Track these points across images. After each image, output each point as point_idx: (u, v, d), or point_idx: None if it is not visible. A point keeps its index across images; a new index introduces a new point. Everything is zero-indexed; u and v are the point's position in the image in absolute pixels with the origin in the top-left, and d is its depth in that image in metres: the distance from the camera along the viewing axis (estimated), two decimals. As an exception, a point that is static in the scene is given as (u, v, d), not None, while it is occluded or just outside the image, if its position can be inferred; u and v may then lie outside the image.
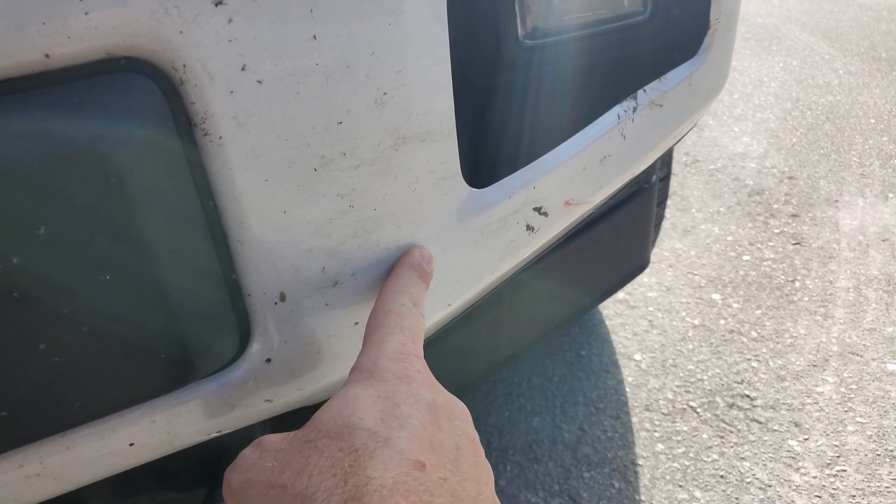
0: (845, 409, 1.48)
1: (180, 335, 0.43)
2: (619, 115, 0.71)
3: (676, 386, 1.63)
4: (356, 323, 0.51)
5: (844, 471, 1.34)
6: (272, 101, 0.41)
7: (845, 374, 1.58)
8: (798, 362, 1.64)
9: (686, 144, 3.05)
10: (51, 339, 0.36)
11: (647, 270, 2.08)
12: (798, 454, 1.39)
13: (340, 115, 0.44)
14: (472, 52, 0.75)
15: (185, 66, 0.38)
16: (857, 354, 1.64)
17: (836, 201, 2.39)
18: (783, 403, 1.52)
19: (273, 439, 0.36)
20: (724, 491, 1.33)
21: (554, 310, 1.07)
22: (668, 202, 2.49)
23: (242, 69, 0.40)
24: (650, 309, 1.91)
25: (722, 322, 1.83)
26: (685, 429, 1.50)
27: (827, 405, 1.50)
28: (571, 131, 0.66)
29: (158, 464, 0.51)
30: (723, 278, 2.01)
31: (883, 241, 2.10)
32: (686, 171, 2.76)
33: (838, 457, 1.37)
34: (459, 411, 0.38)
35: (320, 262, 0.47)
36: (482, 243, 0.59)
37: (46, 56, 0.35)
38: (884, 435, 1.40)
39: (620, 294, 1.98)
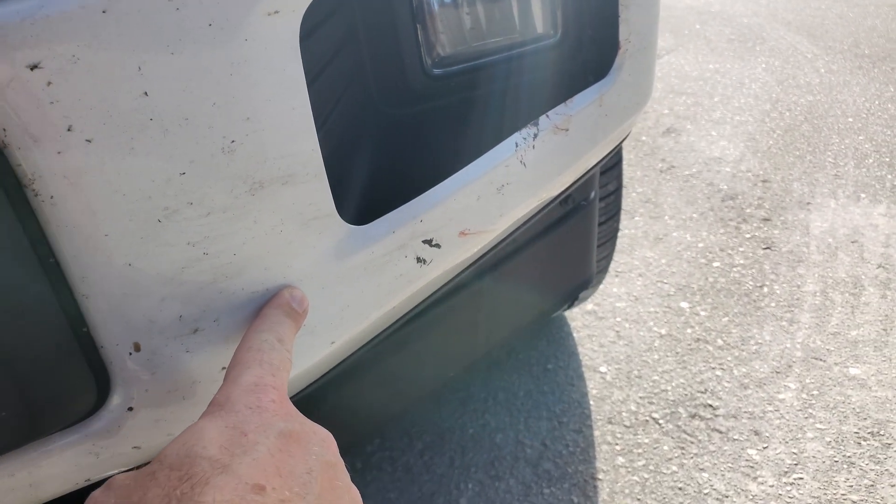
0: (805, 415, 1.48)
1: (31, 390, 0.43)
2: (517, 143, 0.72)
3: (640, 397, 1.62)
4: (223, 368, 0.52)
5: (802, 479, 1.33)
6: (104, 158, 0.42)
7: (807, 380, 1.58)
8: (762, 369, 1.64)
9: (663, 150, 3.06)
10: None
11: (617, 280, 2.08)
12: (756, 463, 1.39)
13: (182, 167, 0.45)
14: (379, 84, 0.76)
15: (4, 129, 0.39)
16: (821, 359, 1.64)
17: (809, 203, 2.39)
18: (745, 412, 1.52)
19: (120, 477, 0.36)
20: (681, 503, 1.33)
21: (489, 331, 1.07)
22: (641, 209, 2.49)
23: (69, 129, 0.41)
24: (618, 319, 1.91)
25: (689, 331, 1.83)
26: (646, 441, 1.50)
27: (787, 412, 1.50)
28: (463, 162, 0.67)
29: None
30: (692, 286, 2.01)
31: (852, 242, 2.10)
32: (661, 177, 2.76)
33: (796, 464, 1.37)
34: (318, 439, 0.39)
35: (175, 311, 0.48)
36: (366, 279, 0.59)
37: None
38: (842, 441, 1.40)
39: (589, 305, 1.99)
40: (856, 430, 1.43)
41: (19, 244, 0.41)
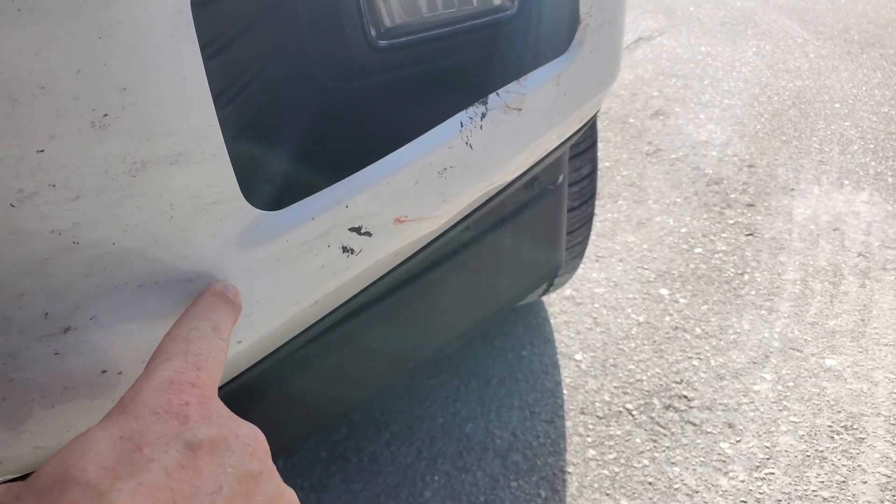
0: (780, 407, 1.44)
1: None
2: (462, 123, 0.66)
3: (614, 387, 1.58)
4: (104, 371, 0.46)
5: (773, 473, 1.29)
6: (-63, 131, 0.36)
7: (783, 371, 1.53)
8: (739, 359, 1.60)
9: (650, 133, 3.00)
10: None
11: (597, 265, 2.03)
12: (729, 457, 1.35)
13: (40, 143, 0.39)
14: (316, 54, 0.70)
15: None
16: (798, 350, 1.60)
17: (793, 189, 2.34)
18: (719, 403, 1.48)
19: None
20: (650, 499, 1.29)
21: (453, 320, 1.02)
22: (625, 193, 2.44)
23: None
24: (596, 306, 1.86)
25: (667, 318, 1.78)
26: (618, 433, 1.45)
27: (762, 404, 1.46)
28: (398, 143, 0.61)
29: None
30: (672, 272, 1.96)
31: (834, 230, 2.06)
32: (647, 160, 2.71)
33: (768, 459, 1.33)
34: (240, 445, 0.33)
35: (40, 308, 0.42)
36: (280, 271, 0.54)
37: None
38: (815, 435, 1.36)
39: (567, 290, 1.94)
40: (829, 423, 1.39)
41: None
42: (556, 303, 1.90)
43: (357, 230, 0.58)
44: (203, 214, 0.48)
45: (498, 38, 0.78)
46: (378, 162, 0.59)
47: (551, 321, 1.84)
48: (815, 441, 1.35)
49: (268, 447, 0.36)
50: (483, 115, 0.68)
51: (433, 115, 0.65)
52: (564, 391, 1.61)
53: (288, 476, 1.48)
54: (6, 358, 0.41)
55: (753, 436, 1.38)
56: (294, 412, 0.87)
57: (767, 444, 1.36)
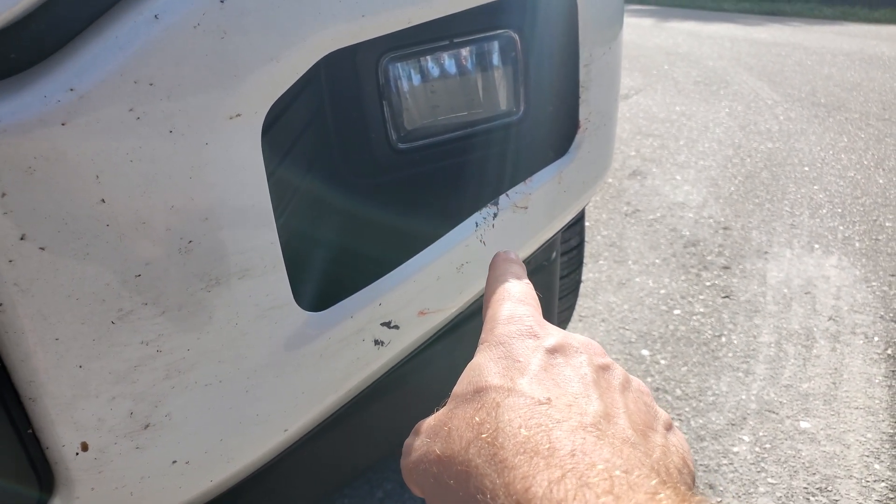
0: (758, 469, 1.51)
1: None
2: (477, 223, 0.74)
3: (600, 447, 1.63)
4: (174, 462, 0.51)
5: (754, 536, 1.35)
6: (58, 264, 0.42)
7: (761, 433, 1.61)
8: (718, 421, 1.67)
9: (628, 193, 3.12)
10: None
11: (580, 325, 2.11)
12: (711, 519, 1.41)
13: (138, 269, 0.45)
14: (345, 159, 0.77)
15: (-44, 241, 0.39)
16: (774, 412, 1.67)
17: (766, 252, 2.45)
18: (700, 465, 1.54)
19: (426, 421, 0.39)
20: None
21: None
22: (606, 253, 2.53)
23: (21, 239, 0.41)
24: (580, 365, 1.92)
25: (649, 379, 1.85)
26: (604, 493, 1.50)
27: (741, 465, 1.52)
28: (424, 244, 0.68)
29: None
30: (653, 333, 2.04)
31: (805, 293, 2.16)
32: (626, 221, 2.82)
33: (749, 521, 1.39)
34: (582, 346, 0.41)
35: (126, 408, 0.48)
36: (322, 365, 0.60)
37: None
38: (792, 496, 1.43)
39: (552, 350, 2.00)
40: (805, 485, 1.46)
41: (-34, 349, 0.41)
42: (543, 361, 1.96)
43: (387, 324, 0.65)
44: (261, 319, 0.54)
45: (505, 140, 0.86)
46: (407, 262, 0.66)
47: (538, 380, 1.90)
48: (792, 503, 1.41)
49: (602, 348, 0.43)
50: (495, 215, 0.76)
51: (452, 217, 0.72)
52: (552, 450, 1.66)
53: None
54: (98, 453, 0.47)
55: (733, 496, 1.45)
56: (310, 479, 0.91)
57: (747, 506, 1.42)
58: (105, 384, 0.46)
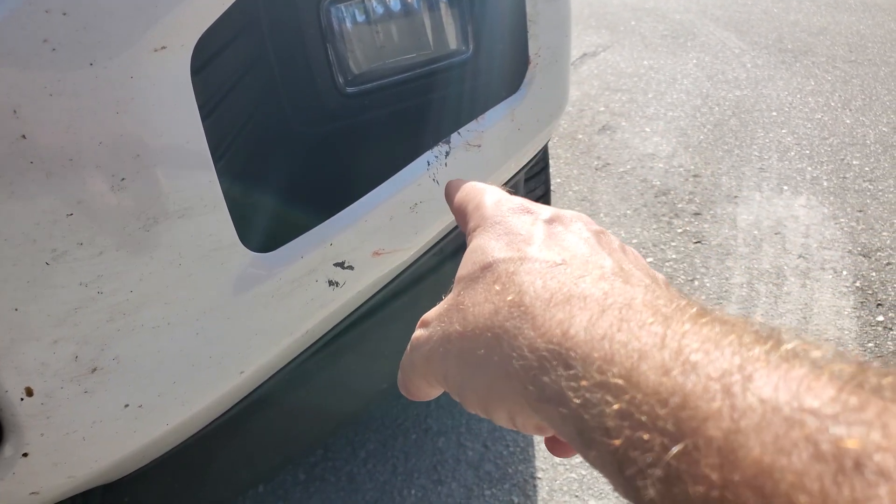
0: (733, 405, 1.54)
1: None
2: (429, 161, 0.73)
3: (578, 394, 1.66)
4: (126, 405, 0.51)
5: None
6: (-18, 204, 0.41)
7: (735, 371, 1.64)
8: (692, 361, 1.70)
9: (598, 148, 3.12)
10: None
11: (555, 278, 2.12)
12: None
13: (69, 208, 0.45)
14: (292, 105, 0.76)
15: None
16: (747, 349, 1.71)
17: (736, 197, 2.47)
18: (677, 404, 1.57)
19: (430, 311, 0.37)
20: (617, 498, 1.37)
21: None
22: (577, 207, 2.54)
23: (-60, 177, 0.40)
24: (556, 317, 1.94)
25: (624, 326, 1.87)
26: (584, 437, 1.53)
27: (717, 402, 1.56)
28: (373, 184, 0.68)
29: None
30: (627, 281, 2.06)
31: (775, 234, 2.19)
32: (596, 175, 2.82)
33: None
34: (574, 217, 0.40)
35: (70, 352, 0.47)
36: (275, 306, 0.59)
37: None
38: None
39: (528, 304, 2.02)
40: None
41: None
42: (520, 316, 1.97)
43: (341, 265, 0.64)
44: (206, 260, 0.53)
45: (456, 79, 0.85)
46: (357, 202, 0.65)
47: (516, 334, 1.92)
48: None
49: (590, 219, 0.43)
50: (447, 154, 0.75)
51: (402, 155, 0.72)
52: (532, 400, 1.68)
53: (268, 499, 1.51)
54: (44, 398, 0.46)
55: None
56: (279, 437, 0.92)
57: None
58: (45, 327, 0.45)
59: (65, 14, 0.42)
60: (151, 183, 0.48)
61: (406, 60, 0.83)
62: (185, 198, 0.51)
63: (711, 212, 2.39)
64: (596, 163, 2.93)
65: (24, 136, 0.42)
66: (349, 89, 0.81)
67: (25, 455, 0.48)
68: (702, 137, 3.12)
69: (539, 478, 1.44)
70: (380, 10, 0.80)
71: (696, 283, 2.01)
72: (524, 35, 0.83)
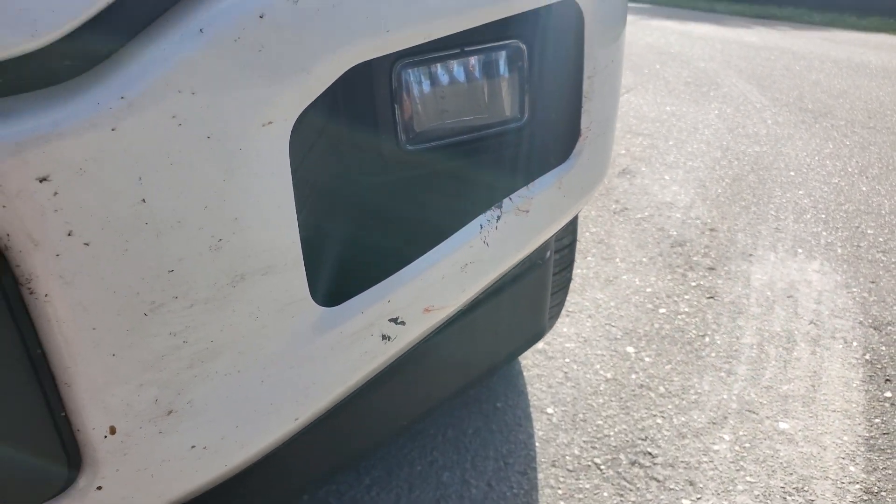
0: (737, 468, 1.56)
1: (7, 469, 0.45)
2: (482, 225, 0.77)
3: (584, 441, 1.68)
4: (193, 446, 0.54)
5: (729, 531, 1.41)
6: (99, 259, 0.45)
7: (741, 433, 1.66)
8: (699, 419, 1.72)
9: (617, 191, 3.16)
10: None
11: (568, 320, 2.15)
12: (689, 513, 1.46)
13: (172, 264, 0.48)
14: (357, 160, 0.80)
15: (8, 235, 0.42)
16: (754, 412, 1.73)
17: (751, 255, 2.50)
18: (681, 461, 1.59)
19: None
20: (617, 550, 1.39)
21: (445, 381, 1.11)
22: (594, 250, 2.58)
23: (69, 234, 0.43)
24: (566, 360, 1.97)
25: (633, 376, 1.90)
26: (588, 486, 1.55)
27: (721, 464, 1.57)
28: (432, 244, 0.71)
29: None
30: (638, 331, 2.09)
31: (788, 297, 2.22)
32: (614, 219, 2.86)
33: (725, 516, 1.44)
34: None
35: (152, 395, 0.50)
36: (332, 358, 0.63)
37: None
38: (769, 495, 1.48)
39: (540, 344, 2.04)
40: (782, 484, 1.51)
41: (10, 336, 0.44)
42: (529, 356, 2.00)
43: (395, 320, 0.68)
44: (280, 313, 0.57)
45: (508, 146, 0.89)
46: (416, 261, 0.69)
47: (524, 374, 1.95)
48: (769, 501, 1.47)
49: None
50: (498, 218, 0.79)
51: (457, 218, 0.76)
52: (537, 444, 1.70)
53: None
54: (124, 437, 0.50)
55: (713, 494, 1.50)
56: (307, 464, 0.94)
57: (725, 503, 1.47)
58: (134, 372, 0.49)
59: (193, 93, 0.46)
60: (244, 244, 0.52)
61: (464, 123, 0.88)
62: (271, 257, 0.54)
63: (726, 268, 2.42)
64: (614, 206, 2.97)
65: (143, 200, 0.45)
66: (409, 147, 0.85)
67: (99, 488, 0.51)
68: (720, 191, 3.16)
69: (541, 523, 1.46)
70: (445, 76, 0.84)
71: (707, 339, 2.03)
72: (578, 109, 0.87)
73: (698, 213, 2.91)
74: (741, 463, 1.58)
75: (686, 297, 2.26)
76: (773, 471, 1.55)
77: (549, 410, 1.79)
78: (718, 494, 1.50)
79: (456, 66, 0.86)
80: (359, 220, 0.73)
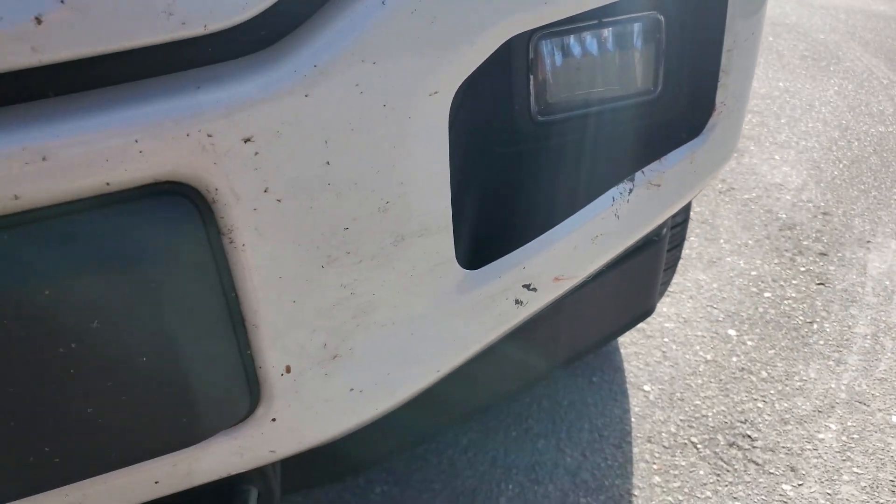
0: (843, 457, 1.52)
1: (203, 399, 0.51)
2: (613, 198, 0.78)
3: (681, 420, 1.68)
4: (351, 389, 0.59)
5: (833, 521, 1.38)
6: (288, 215, 0.50)
7: (849, 423, 1.61)
8: (804, 407, 1.67)
9: (724, 170, 3.05)
10: (110, 408, 0.46)
11: (668, 300, 2.12)
12: (790, 499, 1.43)
13: (347, 223, 0.53)
14: (491, 130, 0.82)
15: (216, 189, 0.47)
16: (864, 404, 1.66)
17: (868, 242, 2.38)
18: (783, 447, 1.56)
19: None
20: (713, 529, 1.39)
21: (555, 351, 1.14)
22: (697, 230, 2.51)
23: (265, 191, 0.48)
24: (665, 340, 1.95)
25: (734, 359, 1.86)
26: (683, 463, 1.55)
27: (826, 452, 1.54)
28: (565, 214, 0.73)
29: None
30: (741, 314, 2.04)
31: (908, 288, 2.10)
32: (720, 198, 2.77)
33: (829, 506, 1.41)
34: None
35: (322, 340, 0.56)
36: (472, 317, 0.67)
37: (107, 185, 0.44)
38: (877, 487, 1.44)
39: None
40: (892, 478, 1.46)
41: (211, 279, 0.49)
42: (627, 334, 1.99)
43: (528, 286, 0.71)
44: (430, 273, 0.61)
45: (640, 117, 0.89)
46: (551, 230, 0.71)
47: (621, 351, 1.94)
48: (876, 493, 1.42)
49: None
50: (630, 191, 0.80)
51: (591, 188, 0.77)
52: (632, 419, 1.71)
53: (373, 470, 1.62)
54: (297, 376, 0.55)
55: (815, 482, 1.47)
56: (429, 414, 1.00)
57: (829, 492, 1.44)
58: (309, 318, 0.54)
59: (374, 63, 0.49)
60: (406, 207, 0.56)
61: (595, 95, 0.88)
62: (426, 219, 0.58)
63: (839, 254, 2.31)
64: (720, 185, 2.87)
65: (327, 163, 0.50)
66: (540, 118, 0.86)
67: (273, 420, 0.57)
68: (836, 173, 2.99)
69: (635, 495, 1.48)
70: (581, 47, 0.85)
71: (815, 326, 1.96)
72: (714, 83, 0.86)
73: (810, 195, 2.78)
74: (848, 453, 1.53)
75: (794, 282, 2.18)
76: (882, 463, 1.49)
77: (646, 388, 1.79)
78: (822, 482, 1.46)
79: (592, 38, 0.86)
80: (495, 188, 0.76)
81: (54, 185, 0.43)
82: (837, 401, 1.68)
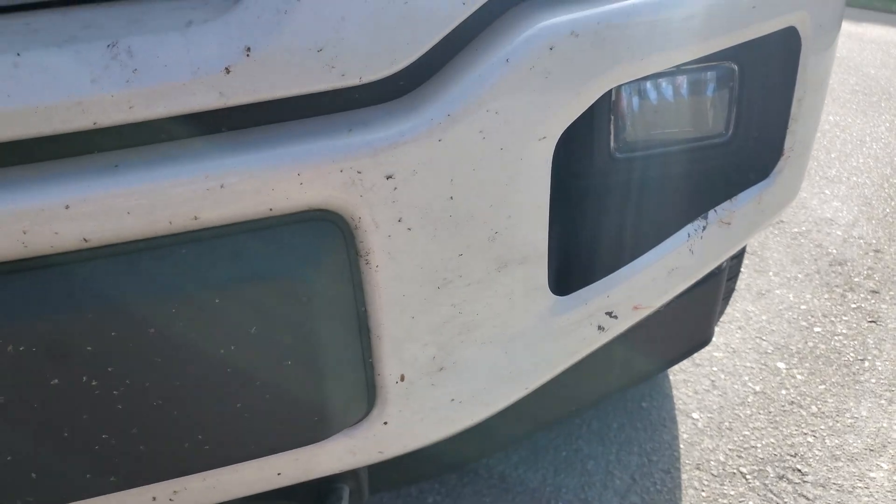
0: (895, 497, 1.52)
1: (329, 401, 0.58)
2: (689, 234, 0.84)
3: (729, 449, 1.70)
4: (452, 399, 0.66)
5: (884, 558, 1.39)
6: (416, 242, 0.57)
7: (901, 463, 1.61)
8: (855, 444, 1.68)
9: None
10: (255, 405, 0.53)
11: (717, 330, 2.14)
12: (840, 535, 1.45)
13: (462, 250, 0.59)
14: (571, 166, 0.89)
15: (360, 217, 0.54)
16: (917, 444, 1.67)
17: (921, 282, 2.37)
18: (833, 483, 1.58)
19: None
20: (762, 559, 1.41)
21: (616, 377, 1.19)
22: (747, 261, 2.53)
23: (399, 220, 0.55)
24: (714, 369, 1.98)
25: (783, 392, 1.88)
26: (732, 493, 1.57)
27: (878, 491, 1.54)
28: (647, 247, 0.79)
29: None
30: (790, 347, 2.05)
31: (963, 330, 2.09)
32: (769, 231, 2.78)
33: (880, 544, 1.42)
34: None
35: (432, 353, 0.62)
36: (559, 340, 0.73)
37: (270, 210, 0.52)
38: (930, 529, 1.44)
39: (686, 350, 2.06)
40: (945, 520, 1.46)
41: (347, 294, 0.57)
42: (676, 360, 2.02)
43: (610, 314, 0.76)
44: (525, 297, 0.67)
45: (712, 158, 0.95)
46: (635, 261, 0.77)
47: (670, 377, 1.97)
48: (928, 533, 1.43)
49: None
50: (704, 228, 0.85)
51: (670, 225, 0.83)
52: (681, 445, 1.74)
53: (427, 482, 1.67)
54: (409, 384, 0.62)
55: (866, 518, 1.48)
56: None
57: (880, 529, 1.45)
58: (423, 333, 0.61)
59: (496, 113, 0.56)
60: (511, 237, 0.62)
61: (670, 135, 0.94)
62: (526, 249, 0.64)
63: (892, 292, 2.31)
64: (770, 219, 2.88)
65: (451, 198, 0.57)
66: (619, 154, 0.93)
67: (385, 423, 0.63)
68: (888, 210, 2.98)
69: (683, 522, 1.51)
70: (658, 91, 0.91)
71: (867, 363, 1.97)
72: (783, 130, 0.91)
73: (861, 231, 2.77)
74: (900, 493, 1.54)
75: (845, 318, 2.19)
76: (935, 506, 1.50)
77: (695, 415, 1.82)
78: (874, 521, 1.47)
79: (668, 84, 0.92)
80: (579, 221, 0.82)
81: (228, 208, 0.51)
82: (889, 440, 1.69)
